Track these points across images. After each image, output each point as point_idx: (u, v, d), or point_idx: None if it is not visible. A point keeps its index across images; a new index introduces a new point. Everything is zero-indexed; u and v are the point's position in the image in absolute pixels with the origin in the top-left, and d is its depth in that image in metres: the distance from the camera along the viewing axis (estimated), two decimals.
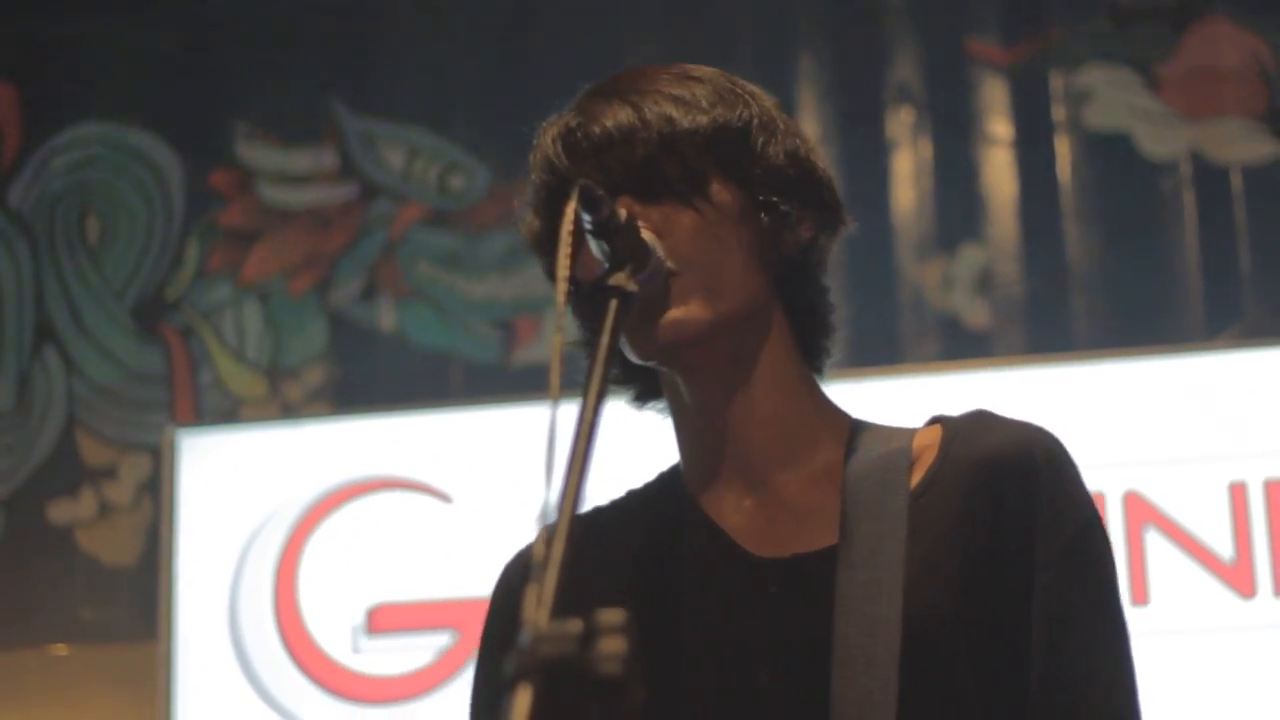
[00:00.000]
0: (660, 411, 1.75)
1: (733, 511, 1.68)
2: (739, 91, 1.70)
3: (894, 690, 1.55)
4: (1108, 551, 1.66)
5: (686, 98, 1.66)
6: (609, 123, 1.65)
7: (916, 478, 1.66)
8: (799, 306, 1.71)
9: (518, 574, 1.75)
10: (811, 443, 1.69)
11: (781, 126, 1.70)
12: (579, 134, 1.65)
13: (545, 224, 1.69)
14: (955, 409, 1.74)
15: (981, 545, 1.62)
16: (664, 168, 1.63)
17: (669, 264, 1.59)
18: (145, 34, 4.92)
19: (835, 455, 1.69)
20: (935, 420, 1.72)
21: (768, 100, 1.72)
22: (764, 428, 1.68)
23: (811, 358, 1.73)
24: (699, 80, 1.69)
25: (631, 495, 1.77)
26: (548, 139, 1.68)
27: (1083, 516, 1.64)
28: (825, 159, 1.74)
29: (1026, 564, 1.61)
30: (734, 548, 1.66)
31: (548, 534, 1.25)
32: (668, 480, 1.75)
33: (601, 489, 1.66)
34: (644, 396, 1.76)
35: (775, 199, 1.66)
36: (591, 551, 1.61)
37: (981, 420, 1.70)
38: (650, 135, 1.63)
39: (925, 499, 1.65)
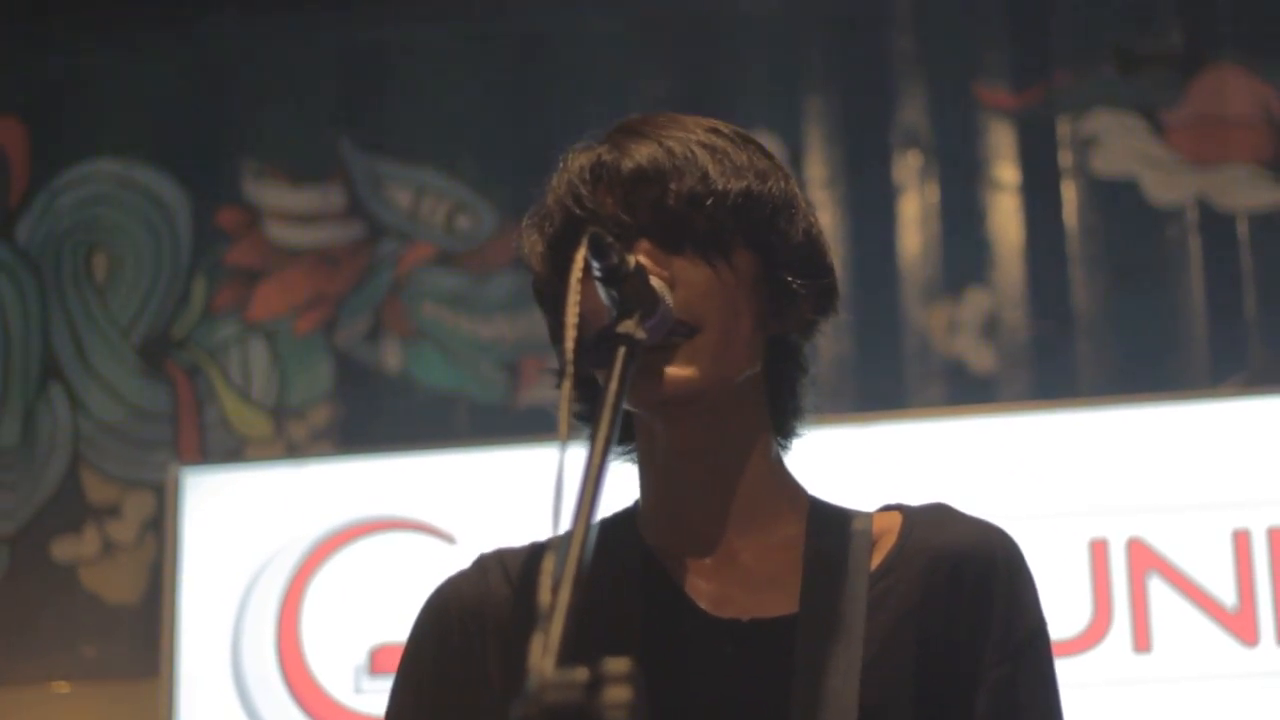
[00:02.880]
0: (625, 456, 1.72)
1: (689, 568, 1.67)
2: (769, 161, 1.69)
3: None
4: (1053, 658, 1.70)
5: (722, 156, 1.65)
6: (643, 161, 1.63)
7: (876, 560, 1.68)
8: (781, 384, 1.71)
9: (450, 606, 1.82)
10: (773, 515, 1.69)
11: (801, 205, 1.69)
12: (611, 167, 1.64)
13: (553, 259, 1.67)
14: (915, 497, 1.76)
15: (936, 635, 1.64)
16: (693, 221, 1.62)
17: (680, 316, 1.58)
18: (154, 72, 4.93)
19: (795, 529, 1.69)
20: (893, 507, 1.74)
21: (788, 173, 1.71)
22: (730, 494, 1.68)
23: (782, 435, 1.73)
24: (732, 140, 1.67)
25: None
26: (575, 166, 1.66)
27: (1035, 620, 1.68)
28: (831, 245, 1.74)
29: (978, 658, 1.64)
30: (690, 605, 1.65)
31: (554, 581, 1.25)
32: (621, 524, 1.71)
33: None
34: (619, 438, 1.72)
35: (788, 275, 1.66)
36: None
37: (942, 512, 1.72)
38: (683, 186, 1.62)
39: (884, 582, 1.66)
